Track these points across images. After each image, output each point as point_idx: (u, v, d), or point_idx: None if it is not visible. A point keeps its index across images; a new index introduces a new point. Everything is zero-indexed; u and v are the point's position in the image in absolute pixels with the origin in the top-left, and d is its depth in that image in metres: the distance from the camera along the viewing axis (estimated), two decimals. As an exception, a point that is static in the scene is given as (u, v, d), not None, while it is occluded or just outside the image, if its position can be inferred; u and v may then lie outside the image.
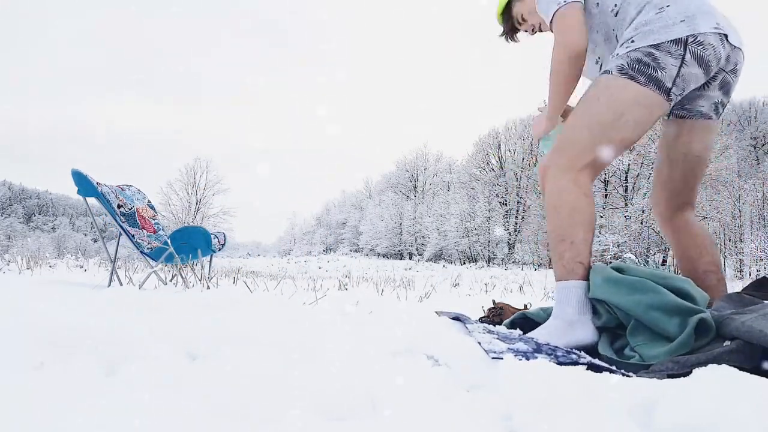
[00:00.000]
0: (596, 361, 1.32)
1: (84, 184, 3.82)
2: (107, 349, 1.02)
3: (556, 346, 1.43)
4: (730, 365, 0.93)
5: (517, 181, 42.76)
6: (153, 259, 3.97)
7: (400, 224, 50.19)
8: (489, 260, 42.56)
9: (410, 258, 47.73)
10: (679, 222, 1.86)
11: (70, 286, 3.42)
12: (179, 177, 43.39)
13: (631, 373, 1.31)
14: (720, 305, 1.56)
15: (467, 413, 0.88)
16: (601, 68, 1.80)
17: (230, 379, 0.88)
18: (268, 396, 0.83)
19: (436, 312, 1.86)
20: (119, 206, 4.11)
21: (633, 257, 9.17)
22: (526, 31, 1.99)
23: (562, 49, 1.61)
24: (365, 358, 1.12)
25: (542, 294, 5.72)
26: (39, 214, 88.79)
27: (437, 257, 45.99)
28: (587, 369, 1.21)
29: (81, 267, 10.38)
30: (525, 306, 2.31)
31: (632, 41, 1.56)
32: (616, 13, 1.66)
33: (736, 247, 33.45)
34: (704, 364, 1.17)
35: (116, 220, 4.00)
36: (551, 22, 1.65)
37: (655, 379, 1.13)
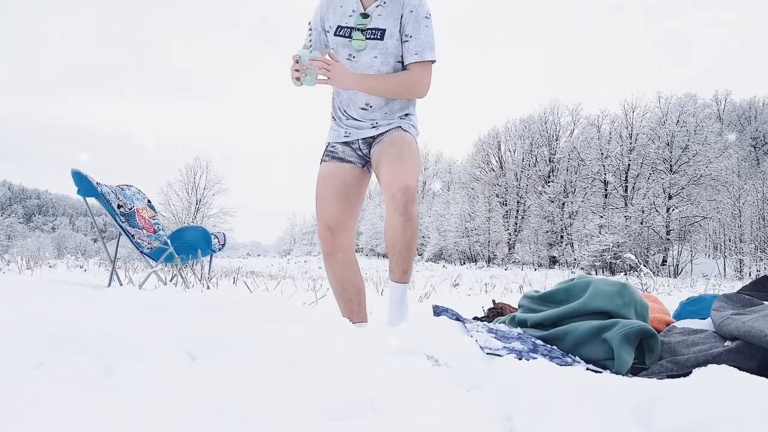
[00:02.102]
0: (592, 366, 1.32)
1: (84, 184, 3.82)
2: (107, 349, 1.02)
3: (553, 348, 1.44)
4: (730, 365, 0.93)
5: (517, 181, 42.72)
6: (153, 259, 3.96)
7: (400, 224, 50.12)
8: (489, 260, 42.56)
9: (410, 258, 47.66)
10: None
11: (70, 286, 3.42)
12: (179, 177, 43.35)
13: (630, 374, 1.31)
14: (720, 305, 1.56)
15: (467, 413, 0.88)
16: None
17: (230, 380, 0.88)
18: (268, 396, 0.83)
19: (433, 306, 1.88)
20: (119, 206, 4.11)
21: (633, 257, 9.15)
22: None
23: (419, 91, 2.04)
24: (365, 358, 1.12)
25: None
26: (39, 214, 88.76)
27: (437, 257, 45.94)
28: (586, 370, 1.22)
29: (81, 267, 10.38)
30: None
31: (410, 119, 2.10)
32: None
33: (736, 247, 33.43)
34: (704, 364, 1.17)
35: (116, 220, 4.00)
36: (423, 63, 2.00)
37: (655, 379, 1.13)
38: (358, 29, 2.01)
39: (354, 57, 2.04)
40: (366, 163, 2.14)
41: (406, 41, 1.99)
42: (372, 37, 2.00)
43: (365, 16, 2.00)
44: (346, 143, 2.12)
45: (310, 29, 2.04)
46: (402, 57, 2.03)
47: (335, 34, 2.06)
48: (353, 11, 2.02)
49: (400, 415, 0.84)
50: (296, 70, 1.95)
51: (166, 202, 41.68)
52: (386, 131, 2.05)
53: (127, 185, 4.46)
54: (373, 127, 2.06)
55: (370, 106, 2.06)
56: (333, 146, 2.15)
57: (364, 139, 2.08)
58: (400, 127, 2.06)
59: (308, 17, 2.21)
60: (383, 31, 1.99)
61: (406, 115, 2.10)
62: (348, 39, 2.03)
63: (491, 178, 43.56)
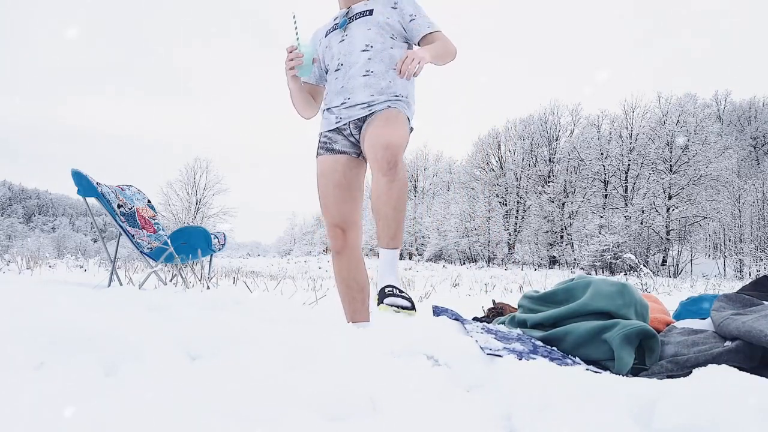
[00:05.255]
0: (592, 367, 1.32)
1: (84, 184, 3.82)
2: (107, 349, 1.02)
3: (552, 349, 1.44)
4: (730, 365, 0.93)
5: (517, 181, 42.71)
6: (153, 259, 3.96)
7: (400, 224, 50.07)
8: (489, 260, 42.54)
9: (410, 258, 47.74)
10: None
11: (70, 286, 3.42)
12: (179, 177, 43.34)
13: (630, 374, 1.31)
14: (720, 305, 1.56)
15: (467, 413, 0.88)
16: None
17: (230, 379, 0.88)
18: (268, 396, 0.83)
19: (433, 306, 1.88)
20: (119, 206, 4.11)
21: (633, 257, 9.16)
22: None
23: (454, 50, 2.09)
24: (365, 358, 1.12)
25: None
26: (39, 214, 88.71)
27: (437, 257, 45.93)
28: (586, 370, 1.21)
29: (81, 267, 10.38)
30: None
31: (407, 101, 2.07)
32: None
33: (736, 247, 33.42)
34: (704, 364, 1.17)
35: (116, 220, 4.00)
36: (439, 31, 2.08)
37: (655, 379, 1.13)
38: (345, 20, 2.11)
39: (346, 36, 2.08)
40: (361, 151, 2.11)
41: (413, 20, 2.08)
42: (361, 16, 2.08)
43: (349, 9, 2.12)
44: (337, 130, 2.09)
45: (295, 21, 2.06)
46: (412, 34, 2.09)
47: (326, 36, 2.15)
48: (338, 17, 2.16)
49: (400, 415, 0.84)
50: (291, 60, 2.03)
51: (166, 202, 41.67)
52: (377, 111, 2.01)
53: (127, 185, 4.46)
54: (364, 108, 2.02)
55: (371, 72, 2.02)
56: (326, 136, 2.13)
57: (355, 121, 2.04)
58: (389, 105, 2.01)
59: (316, 17, 2.26)
60: (371, 9, 2.08)
61: (405, 96, 2.07)
62: (336, 29, 2.11)
63: (491, 178, 43.55)
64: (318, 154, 2.15)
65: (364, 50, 2.02)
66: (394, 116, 1.96)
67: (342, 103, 2.05)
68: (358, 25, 2.06)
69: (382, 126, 1.90)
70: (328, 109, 2.14)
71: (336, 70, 2.08)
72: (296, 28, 2.03)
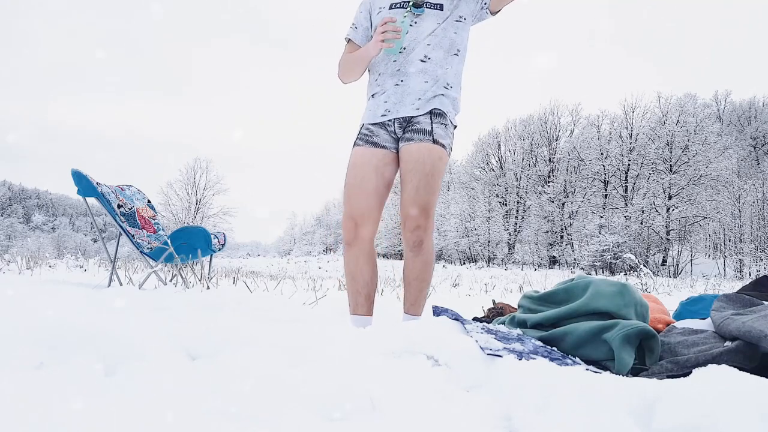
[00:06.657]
0: (592, 367, 1.32)
1: (84, 184, 3.82)
2: (107, 349, 1.02)
3: (552, 349, 1.44)
4: (730, 365, 0.93)
5: (517, 181, 42.71)
6: (153, 259, 3.96)
7: (400, 224, 50.17)
8: (489, 260, 42.54)
9: (410, 258, 47.67)
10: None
11: (70, 286, 3.42)
12: (179, 177, 43.40)
13: (630, 375, 1.31)
14: (720, 305, 1.56)
15: (467, 413, 0.88)
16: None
17: (230, 379, 0.88)
18: (268, 396, 0.83)
19: (433, 306, 1.88)
20: (119, 206, 4.11)
21: (633, 257, 9.16)
22: None
23: None
24: (365, 358, 1.12)
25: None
26: (39, 214, 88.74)
27: (437, 257, 45.98)
28: (586, 370, 1.21)
29: (81, 267, 10.36)
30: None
31: (455, 96, 2.09)
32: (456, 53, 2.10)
33: (736, 247, 33.42)
34: (704, 364, 1.17)
35: (116, 220, 4.00)
36: None
37: (655, 379, 1.13)
38: (422, 8, 2.05)
39: (415, 23, 2.04)
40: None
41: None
42: (432, 8, 2.05)
43: None
44: (381, 125, 2.06)
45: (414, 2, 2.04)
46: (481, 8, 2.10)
47: (390, 9, 2.08)
48: None
49: (400, 415, 0.84)
50: (383, 33, 1.95)
51: (166, 202, 41.70)
52: (420, 125, 1.99)
53: (127, 185, 4.45)
54: (413, 104, 2.01)
55: (429, 58, 2.02)
56: (368, 128, 2.09)
57: (400, 119, 2.03)
58: (433, 137, 1.99)
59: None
60: (441, 4, 2.06)
61: (453, 87, 2.07)
62: (406, 8, 2.05)
63: (491, 178, 43.56)
64: (356, 144, 2.11)
65: (426, 39, 2.03)
66: (429, 168, 1.98)
67: (396, 85, 2.04)
68: (429, 17, 2.04)
69: (413, 190, 1.97)
70: (374, 95, 2.10)
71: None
72: (411, 5, 2.02)
